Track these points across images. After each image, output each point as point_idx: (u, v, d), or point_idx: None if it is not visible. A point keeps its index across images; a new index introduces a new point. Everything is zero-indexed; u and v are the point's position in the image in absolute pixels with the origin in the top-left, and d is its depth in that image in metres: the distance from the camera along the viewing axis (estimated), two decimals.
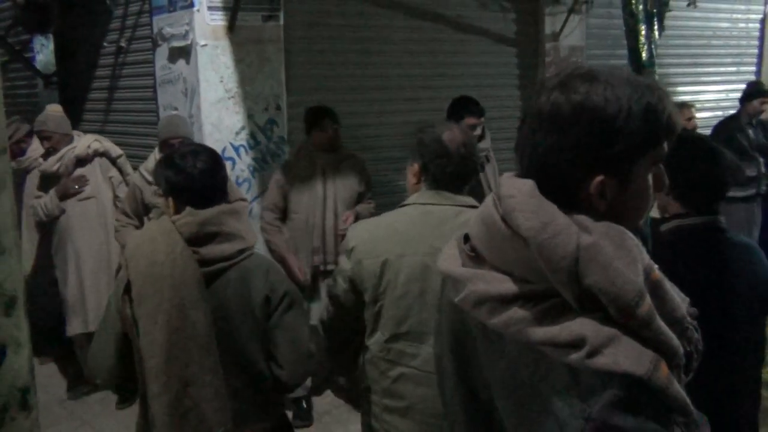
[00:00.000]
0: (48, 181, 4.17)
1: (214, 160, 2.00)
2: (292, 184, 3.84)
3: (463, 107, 4.05)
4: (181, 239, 1.87)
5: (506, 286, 0.99)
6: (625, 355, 0.89)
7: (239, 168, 4.41)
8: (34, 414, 1.16)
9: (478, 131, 3.86)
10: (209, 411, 1.83)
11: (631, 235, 0.97)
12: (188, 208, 1.92)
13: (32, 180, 4.47)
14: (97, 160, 4.22)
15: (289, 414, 3.93)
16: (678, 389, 0.92)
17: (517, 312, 0.97)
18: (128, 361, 1.93)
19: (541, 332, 0.94)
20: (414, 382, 1.99)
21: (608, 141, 0.98)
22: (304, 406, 4.00)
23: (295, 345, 2.02)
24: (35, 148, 4.59)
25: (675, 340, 0.94)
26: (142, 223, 3.80)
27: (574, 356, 0.90)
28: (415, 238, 1.96)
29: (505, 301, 0.98)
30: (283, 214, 3.92)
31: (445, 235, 1.89)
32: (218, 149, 4.20)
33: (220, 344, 1.88)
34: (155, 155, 3.77)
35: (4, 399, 1.11)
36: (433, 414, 1.94)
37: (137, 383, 1.94)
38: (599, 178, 0.99)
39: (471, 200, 2.01)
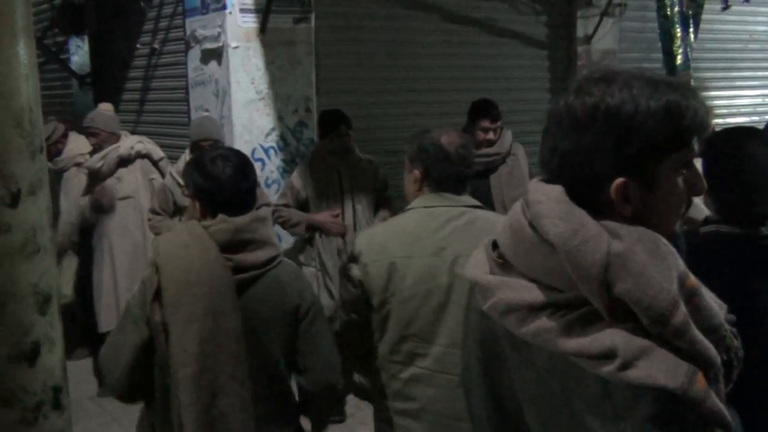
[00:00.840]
0: (93, 178, 4.25)
1: (243, 166, 1.97)
2: (309, 189, 3.86)
3: (479, 109, 4.03)
4: (214, 245, 1.85)
5: (534, 294, 0.97)
6: (659, 368, 0.86)
7: (269, 169, 4.43)
8: (66, 413, 1.18)
9: (491, 135, 3.82)
10: (236, 421, 1.82)
11: (665, 241, 0.94)
12: (221, 215, 1.89)
13: (68, 180, 4.55)
14: (138, 161, 4.27)
15: None
16: (715, 401, 0.88)
17: (545, 321, 0.94)
18: (142, 371, 1.89)
19: (571, 343, 0.91)
20: (425, 382, 1.99)
21: (626, 141, 0.95)
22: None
23: (321, 354, 2.01)
24: (71, 148, 4.67)
25: (712, 350, 0.90)
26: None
27: (606, 369, 0.87)
28: (421, 240, 1.97)
29: (533, 310, 0.96)
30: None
31: (450, 235, 1.93)
32: (248, 150, 4.26)
33: (248, 352, 1.86)
34: (186, 156, 3.81)
35: (38, 398, 1.13)
36: (446, 414, 1.93)
37: (146, 392, 1.92)
38: (620, 180, 0.95)
39: (473, 200, 2.04)
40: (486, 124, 3.84)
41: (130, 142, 4.26)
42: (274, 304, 1.93)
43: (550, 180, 1.02)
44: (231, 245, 1.87)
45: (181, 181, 3.68)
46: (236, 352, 1.82)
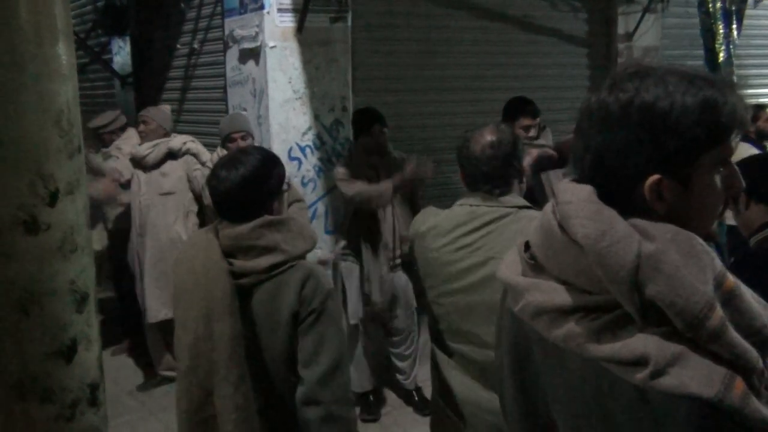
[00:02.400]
0: (135, 165, 4.33)
1: (255, 173, 1.93)
2: None
3: (516, 108, 3.98)
4: (219, 250, 1.88)
5: (564, 296, 0.95)
6: (692, 375, 0.82)
7: (305, 168, 4.45)
8: (102, 409, 1.19)
9: (532, 132, 3.78)
10: (229, 423, 1.83)
11: (700, 240, 0.90)
12: (225, 221, 1.94)
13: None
14: (185, 158, 4.34)
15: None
16: (758, 408, 0.83)
17: (575, 325, 0.92)
18: None
19: (602, 348, 0.88)
20: (457, 373, 2.00)
21: (662, 138, 0.91)
22: (371, 399, 4.05)
23: (315, 367, 1.86)
24: (120, 142, 4.76)
25: (752, 353, 0.86)
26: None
27: (638, 376, 0.85)
28: (458, 237, 1.97)
29: (563, 313, 0.94)
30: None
31: (487, 235, 1.90)
32: (285, 149, 4.29)
33: (250, 357, 1.87)
34: (218, 153, 3.85)
35: (75, 395, 1.14)
36: (489, 418, 1.93)
37: None
38: (655, 177, 0.92)
39: (519, 200, 1.97)
40: (527, 121, 3.80)
41: (182, 138, 4.36)
42: (274, 312, 1.89)
43: (581, 179, 0.99)
44: (233, 251, 1.89)
45: None
46: (229, 356, 1.82)
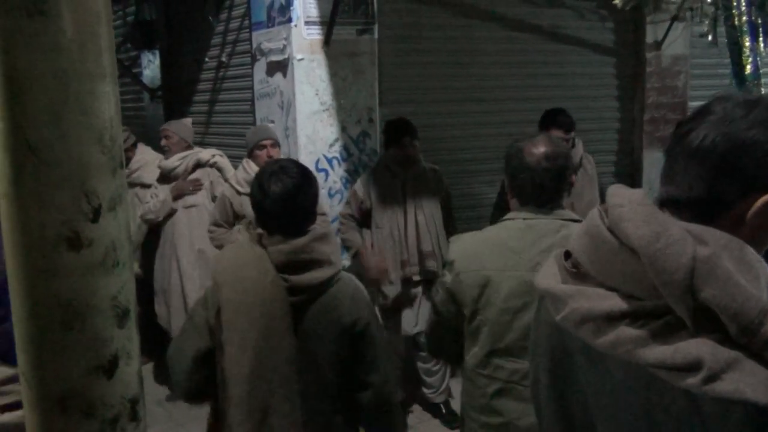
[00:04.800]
0: (164, 179, 4.38)
1: (298, 183, 1.92)
2: (373, 198, 3.86)
3: (550, 119, 3.96)
4: (272, 267, 1.84)
5: (612, 303, 0.93)
6: (748, 382, 0.81)
7: (332, 180, 4.47)
8: (142, 424, 1.19)
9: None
10: None
11: (751, 249, 0.89)
12: (278, 235, 1.89)
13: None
14: (210, 171, 4.38)
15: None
16: None
17: (624, 331, 0.90)
18: (203, 377, 1.95)
19: (653, 353, 0.87)
20: (512, 396, 1.95)
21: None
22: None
23: (379, 371, 1.99)
24: (138, 159, 4.83)
25: None
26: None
27: (690, 381, 0.83)
28: (516, 253, 1.91)
29: (611, 320, 0.92)
30: (359, 223, 3.96)
31: (546, 250, 1.84)
32: (312, 161, 4.31)
33: (302, 372, 1.86)
34: (244, 164, 3.88)
35: (115, 410, 1.15)
36: (531, 429, 1.89)
37: (210, 397, 1.97)
38: (766, 198, 0.92)
39: (572, 214, 1.95)
40: (558, 134, 3.76)
41: (211, 151, 4.42)
42: (329, 325, 1.90)
43: (677, 199, 0.97)
44: (288, 266, 1.86)
45: (240, 189, 3.75)
46: (288, 373, 1.82)
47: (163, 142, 4.42)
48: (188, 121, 4.62)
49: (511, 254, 1.91)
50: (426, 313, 3.82)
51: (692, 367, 0.83)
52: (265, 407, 1.82)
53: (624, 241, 0.92)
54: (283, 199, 1.89)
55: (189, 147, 4.39)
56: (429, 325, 2.17)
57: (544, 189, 1.91)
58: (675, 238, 0.87)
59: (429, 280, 3.80)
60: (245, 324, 1.82)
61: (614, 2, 4.86)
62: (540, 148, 1.92)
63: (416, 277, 3.83)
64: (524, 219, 1.93)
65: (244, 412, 1.82)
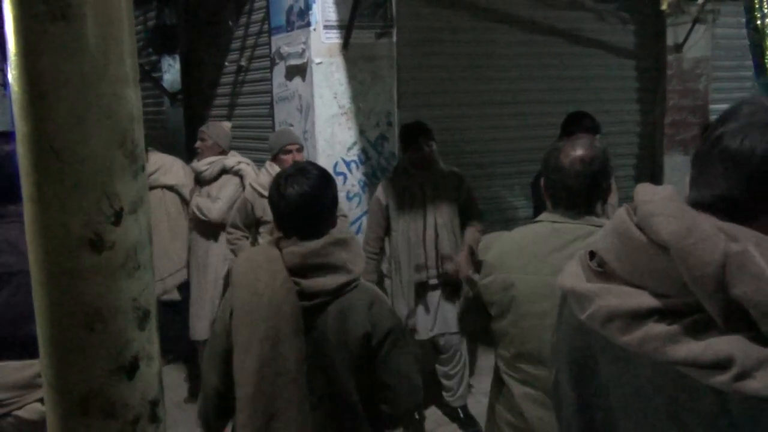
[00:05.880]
0: (197, 181, 4.40)
1: (315, 185, 1.90)
2: (390, 201, 3.85)
3: (573, 122, 3.92)
4: (284, 270, 1.82)
5: (639, 300, 0.92)
6: None
7: (350, 183, 4.47)
8: (162, 426, 1.20)
9: None
10: None
11: None
12: (294, 237, 1.87)
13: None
14: (234, 178, 4.39)
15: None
16: None
17: (653, 328, 0.89)
18: (229, 383, 1.93)
19: (682, 350, 0.86)
20: (537, 403, 1.94)
21: None
22: (416, 415, 4.03)
23: (404, 381, 1.95)
24: (155, 161, 4.84)
25: None
26: (252, 236, 3.93)
27: (720, 379, 0.82)
28: (538, 257, 1.88)
29: (638, 317, 0.91)
30: (386, 234, 3.95)
31: (573, 256, 1.81)
32: (330, 164, 4.32)
33: (312, 378, 1.84)
34: (268, 168, 3.89)
35: (136, 411, 1.15)
36: None
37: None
38: None
39: (600, 221, 1.89)
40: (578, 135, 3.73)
41: (237, 158, 4.39)
42: (344, 332, 1.86)
43: (711, 202, 0.96)
44: (300, 269, 1.83)
45: (262, 192, 3.76)
46: (294, 378, 1.80)
47: (198, 143, 4.41)
48: (227, 125, 4.59)
49: (533, 258, 1.89)
50: (443, 316, 3.82)
51: (723, 364, 0.82)
52: (269, 411, 1.80)
53: (653, 237, 0.90)
54: (299, 201, 1.87)
55: (223, 152, 4.37)
56: (461, 311, 2.23)
57: (575, 192, 1.87)
58: (706, 233, 0.86)
59: (447, 283, 3.79)
60: (251, 326, 1.80)
61: (662, 8, 4.85)
62: (577, 151, 1.88)
63: (433, 281, 3.81)
64: (552, 222, 1.90)
65: (247, 415, 1.80)
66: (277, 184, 1.93)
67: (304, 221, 1.88)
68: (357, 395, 1.92)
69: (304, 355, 1.82)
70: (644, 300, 0.92)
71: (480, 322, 2.11)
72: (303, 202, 1.87)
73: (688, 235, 0.86)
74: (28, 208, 1.12)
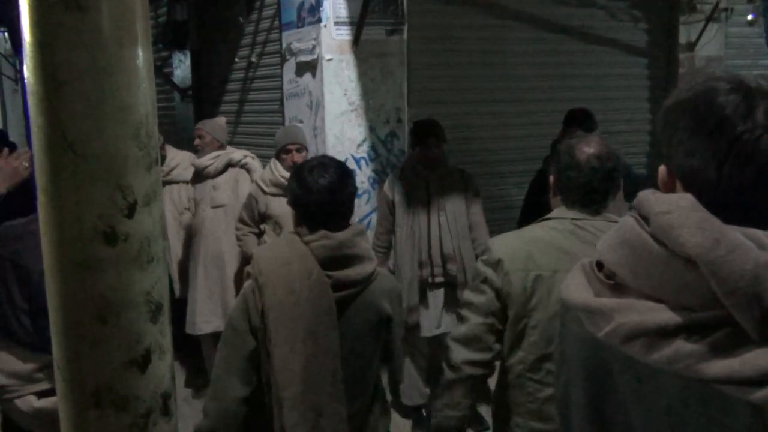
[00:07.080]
0: (197, 178, 4.41)
1: (340, 176, 1.93)
2: (396, 198, 3.84)
3: (573, 118, 3.90)
4: (316, 264, 1.83)
5: (665, 316, 0.88)
6: None
7: (360, 180, 4.46)
8: (173, 419, 1.20)
9: None
10: None
11: None
12: (323, 231, 1.87)
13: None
14: (239, 172, 4.40)
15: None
16: None
17: (683, 346, 0.85)
18: (252, 385, 1.90)
19: (717, 367, 0.82)
20: None
21: None
22: (423, 414, 4.01)
23: (398, 358, 2.17)
24: (173, 156, 4.86)
25: None
26: (259, 231, 3.92)
27: (760, 394, 0.79)
28: (568, 254, 1.84)
29: (665, 334, 0.87)
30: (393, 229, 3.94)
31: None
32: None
33: (346, 367, 1.85)
34: (272, 165, 3.88)
35: (148, 404, 1.15)
36: None
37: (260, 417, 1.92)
38: None
39: (614, 217, 1.88)
40: (578, 133, 3.72)
41: (243, 152, 4.41)
42: (370, 320, 1.92)
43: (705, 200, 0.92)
44: (332, 262, 1.85)
45: (266, 189, 3.76)
46: (334, 371, 1.82)
47: (197, 141, 4.43)
48: (222, 120, 4.63)
49: (563, 255, 1.85)
50: (450, 314, 3.79)
51: (762, 379, 0.79)
52: (317, 406, 1.81)
53: (677, 250, 0.86)
54: (330, 192, 1.88)
55: (222, 146, 4.40)
56: (468, 327, 1.98)
57: (591, 189, 1.86)
58: (735, 243, 0.83)
59: (449, 283, 3.76)
60: (293, 324, 1.80)
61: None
62: (592, 148, 1.88)
63: (439, 279, 3.79)
64: (572, 220, 1.88)
65: (299, 413, 1.79)
66: (301, 177, 1.92)
67: (333, 213, 1.90)
68: (375, 379, 2.00)
69: (339, 347, 1.83)
70: (670, 316, 0.88)
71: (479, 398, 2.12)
72: (333, 193, 1.89)
73: (716, 247, 0.83)
74: (41, 200, 1.12)
